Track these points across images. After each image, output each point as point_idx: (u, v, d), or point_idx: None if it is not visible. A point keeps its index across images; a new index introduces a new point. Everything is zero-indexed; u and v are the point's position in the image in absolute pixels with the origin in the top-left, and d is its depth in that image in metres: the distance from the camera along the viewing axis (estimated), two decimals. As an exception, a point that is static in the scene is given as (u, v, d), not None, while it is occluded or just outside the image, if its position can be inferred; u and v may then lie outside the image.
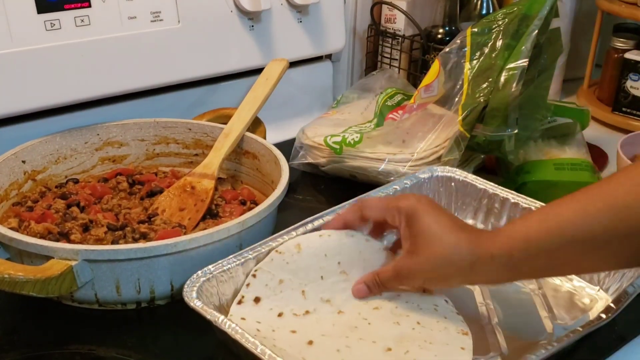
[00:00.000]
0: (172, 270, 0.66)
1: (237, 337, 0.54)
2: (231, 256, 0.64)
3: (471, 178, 0.80)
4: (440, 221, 0.59)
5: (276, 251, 0.65)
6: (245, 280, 0.63)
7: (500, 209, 0.77)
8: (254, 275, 0.63)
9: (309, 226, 0.69)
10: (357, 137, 0.89)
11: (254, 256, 0.64)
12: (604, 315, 0.60)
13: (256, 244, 0.66)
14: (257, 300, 0.62)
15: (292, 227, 0.69)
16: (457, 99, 0.87)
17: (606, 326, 0.60)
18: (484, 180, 0.80)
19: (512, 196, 0.77)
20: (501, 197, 0.77)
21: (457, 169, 0.82)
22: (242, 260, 0.64)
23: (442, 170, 0.81)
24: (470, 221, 0.80)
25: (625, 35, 1.13)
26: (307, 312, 0.63)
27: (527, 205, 0.75)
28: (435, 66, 0.91)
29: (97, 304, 0.67)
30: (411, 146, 0.88)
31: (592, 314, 0.65)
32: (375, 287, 0.64)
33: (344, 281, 0.65)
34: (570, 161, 0.88)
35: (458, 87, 0.88)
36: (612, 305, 0.61)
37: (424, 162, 0.84)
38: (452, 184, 0.81)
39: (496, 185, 0.79)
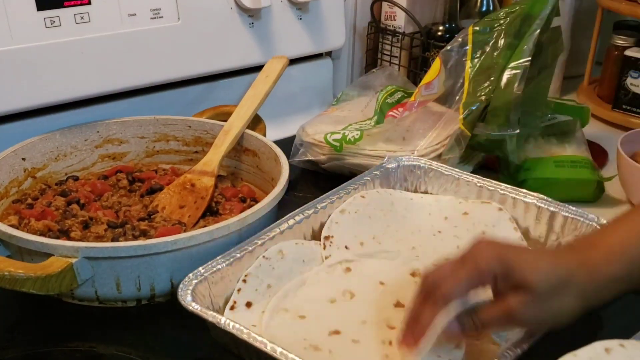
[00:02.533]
0: (172, 267, 0.66)
1: (244, 336, 0.54)
2: (219, 257, 0.64)
3: (436, 166, 0.82)
4: (535, 258, 0.55)
5: (263, 257, 0.66)
6: (236, 285, 0.64)
7: (468, 193, 0.79)
8: (244, 281, 0.64)
9: (298, 217, 0.71)
10: (357, 134, 0.89)
11: (241, 255, 0.65)
12: None
13: (242, 243, 0.66)
14: (248, 305, 0.63)
15: (275, 224, 0.70)
16: (457, 97, 0.88)
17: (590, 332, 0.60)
18: (450, 167, 0.81)
19: (477, 180, 0.79)
20: (466, 180, 0.79)
21: (423, 158, 0.83)
22: (231, 260, 0.64)
23: (407, 160, 0.82)
24: (436, 195, 0.82)
25: (626, 33, 1.13)
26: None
27: (493, 189, 0.77)
28: (436, 64, 0.91)
29: (97, 301, 0.67)
30: (411, 144, 0.88)
31: None
32: (471, 328, 0.54)
33: None
34: (571, 158, 0.88)
35: (459, 85, 0.88)
36: None
37: (424, 159, 0.84)
38: (418, 172, 0.82)
39: (461, 172, 0.81)
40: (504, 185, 0.77)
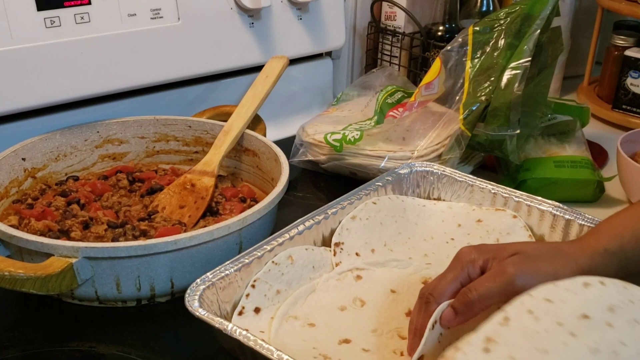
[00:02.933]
0: (173, 267, 0.66)
1: (251, 344, 0.53)
2: (228, 262, 0.63)
3: (449, 172, 0.81)
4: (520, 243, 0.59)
5: (272, 262, 0.65)
6: (244, 291, 0.63)
7: (482, 200, 0.78)
8: (252, 286, 0.63)
9: (308, 223, 0.70)
10: (357, 134, 0.89)
11: (250, 261, 0.64)
12: None
13: (251, 248, 0.65)
14: (257, 310, 0.62)
15: (284, 229, 0.69)
16: (457, 98, 0.87)
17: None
18: (463, 174, 0.81)
19: (491, 187, 0.78)
20: (480, 187, 0.78)
21: (435, 164, 0.82)
22: (239, 265, 0.63)
23: (420, 166, 0.82)
24: (449, 202, 0.81)
25: (626, 33, 1.13)
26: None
27: (507, 195, 0.76)
28: (437, 64, 0.91)
29: (97, 301, 0.67)
30: (411, 144, 0.88)
31: None
32: (464, 307, 0.54)
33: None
34: (570, 159, 0.88)
35: (459, 85, 0.88)
36: None
37: (424, 159, 0.84)
38: (431, 177, 0.81)
39: (475, 178, 0.80)
40: (518, 192, 0.76)
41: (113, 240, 0.71)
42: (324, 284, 0.66)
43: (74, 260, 0.62)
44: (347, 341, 0.60)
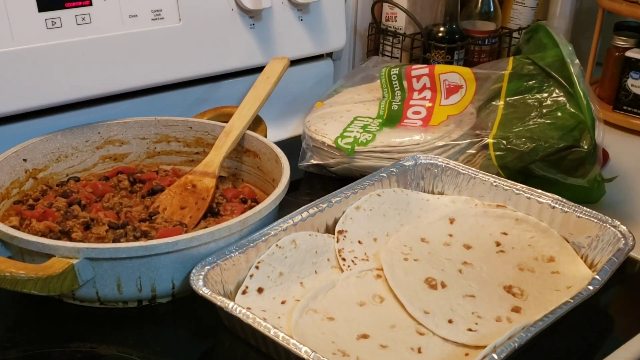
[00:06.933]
0: (174, 268, 0.66)
1: (249, 321, 0.55)
2: (232, 246, 0.65)
3: (453, 164, 0.82)
4: None
5: (276, 245, 0.67)
6: (248, 272, 0.65)
7: (484, 192, 0.80)
8: (256, 267, 0.65)
9: (312, 210, 0.72)
10: (369, 137, 0.89)
11: (254, 244, 0.66)
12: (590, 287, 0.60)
13: (256, 234, 0.68)
14: (260, 290, 0.65)
15: (289, 215, 0.71)
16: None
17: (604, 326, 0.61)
18: (466, 166, 0.82)
19: (493, 179, 0.79)
20: (482, 179, 0.80)
21: (440, 157, 0.83)
22: (244, 248, 0.66)
23: (424, 158, 0.83)
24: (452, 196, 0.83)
25: (626, 34, 1.13)
26: None
27: (508, 188, 0.78)
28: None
29: (98, 302, 0.67)
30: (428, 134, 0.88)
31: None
32: None
33: (338, 273, 0.69)
34: (571, 160, 0.88)
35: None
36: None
37: (441, 157, 0.84)
38: (435, 170, 0.83)
39: (478, 171, 0.81)
40: (519, 185, 0.78)
41: (114, 241, 0.71)
42: (344, 281, 0.68)
43: (75, 261, 0.62)
44: (365, 336, 0.61)
